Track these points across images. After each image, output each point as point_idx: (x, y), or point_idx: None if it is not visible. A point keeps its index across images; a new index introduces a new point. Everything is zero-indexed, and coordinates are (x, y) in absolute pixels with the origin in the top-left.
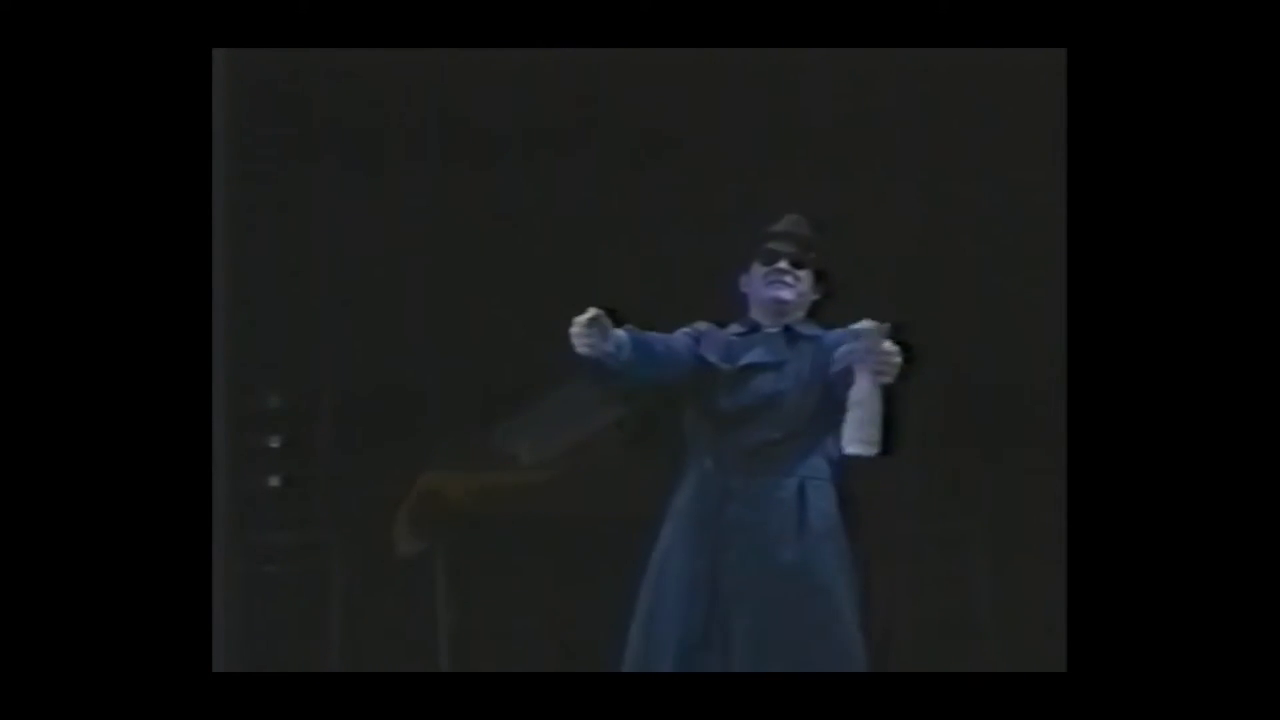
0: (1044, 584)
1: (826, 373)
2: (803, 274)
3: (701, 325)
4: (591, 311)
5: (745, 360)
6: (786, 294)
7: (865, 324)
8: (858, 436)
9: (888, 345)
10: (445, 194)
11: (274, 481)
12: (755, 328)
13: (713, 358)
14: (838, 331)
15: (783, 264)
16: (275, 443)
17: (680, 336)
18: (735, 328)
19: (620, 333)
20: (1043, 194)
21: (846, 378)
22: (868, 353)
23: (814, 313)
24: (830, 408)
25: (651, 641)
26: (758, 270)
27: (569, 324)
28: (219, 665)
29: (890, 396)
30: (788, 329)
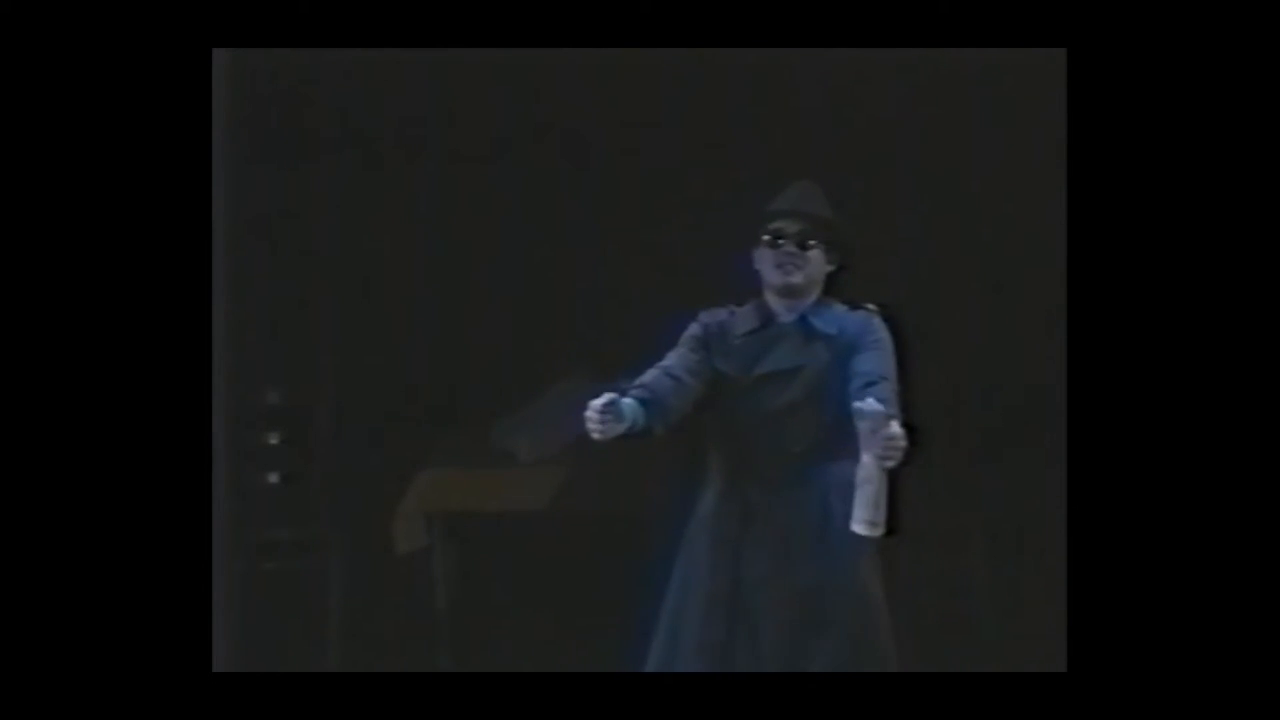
0: (1044, 584)
1: (845, 374)
2: (811, 254)
3: (709, 318)
4: (606, 397)
5: (760, 369)
6: (796, 278)
7: (869, 405)
8: (863, 516)
9: (893, 428)
10: (444, 193)
11: (273, 478)
12: (768, 318)
13: (726, 368)
14: (857, 319)
15: (789, 246)
16: (274, 439)
17: (687, 355)
18: (745, 321)
19: (631, 403)
20: (1043, 194)
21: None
22: (871, 435)
23: (831, 287)
24: (849, 412)
25: (676, 655)
26: (765, 252)
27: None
28: (217, 662)
29: (894, 479)
30: (803, 320)
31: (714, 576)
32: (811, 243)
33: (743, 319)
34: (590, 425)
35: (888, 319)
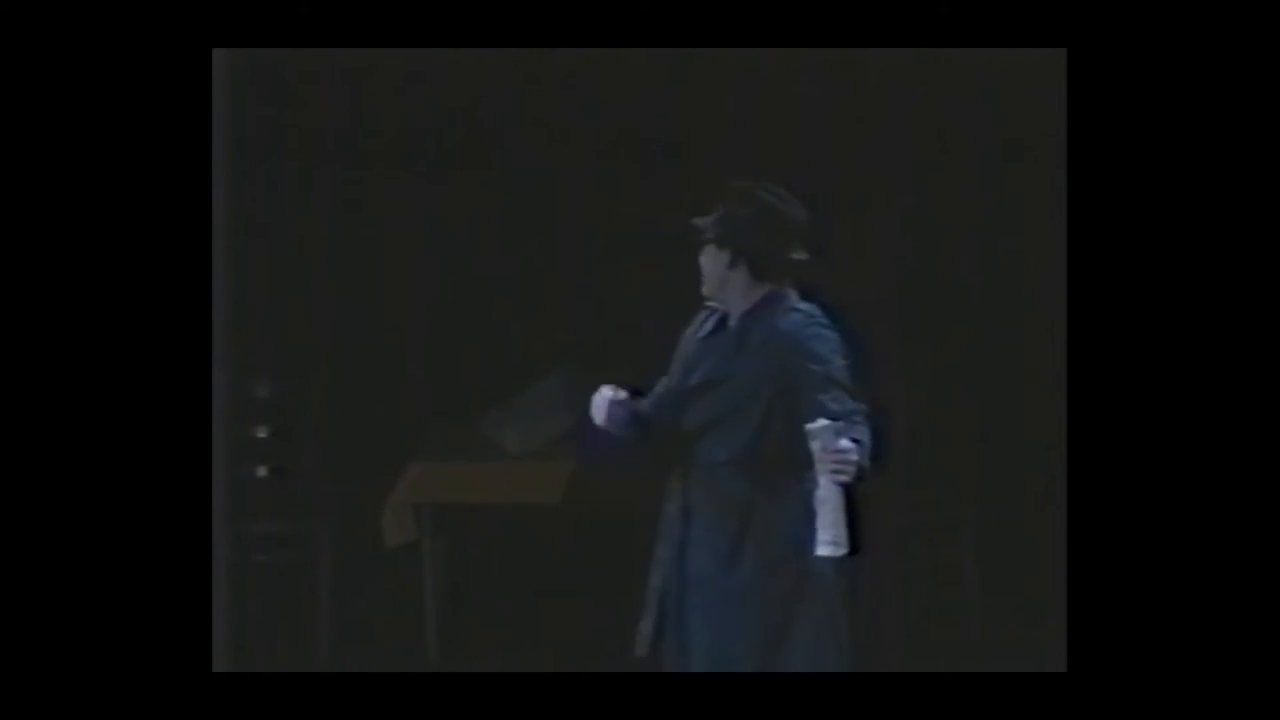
0: (1044, 583)
1: (779, 381)
2: (702, 260)
3: (701, 316)
4: (615, 394)
5: (691, 380)
6: (704, 288)
7: (818, 423)
8: (824, 538)
9: (843, 444)
10: (439, 191)
11: (261, 471)
12: (722, 321)
13: (676, 369)
14: (793, 322)
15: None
16: (263, 433)
17: (674, 362)
18: (709, 323)
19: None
20: (1043, 194)
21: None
22: (823, 452)
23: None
24: (786, 422)
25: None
26: None
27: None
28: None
29: (853, 496)
30: (742, 326)
31: (660, 571)
32: (706, 239)
33: (708, 320)
34: (596, 413)
35: (831, 314)
